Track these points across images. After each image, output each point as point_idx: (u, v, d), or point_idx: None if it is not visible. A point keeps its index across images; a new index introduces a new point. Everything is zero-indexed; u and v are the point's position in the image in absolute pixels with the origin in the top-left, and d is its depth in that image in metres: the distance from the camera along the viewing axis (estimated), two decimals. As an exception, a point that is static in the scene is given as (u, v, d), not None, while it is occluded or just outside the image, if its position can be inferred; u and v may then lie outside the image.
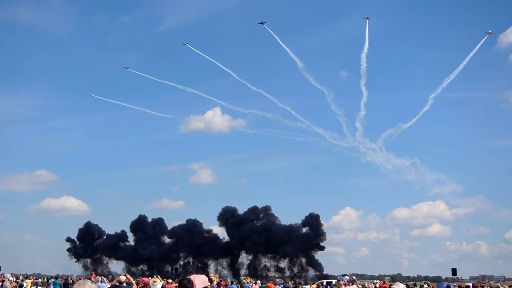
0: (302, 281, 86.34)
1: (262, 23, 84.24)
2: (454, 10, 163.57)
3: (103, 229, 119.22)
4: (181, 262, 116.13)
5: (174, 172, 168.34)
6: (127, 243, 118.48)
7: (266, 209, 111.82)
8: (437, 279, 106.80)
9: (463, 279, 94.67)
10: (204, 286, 11.35)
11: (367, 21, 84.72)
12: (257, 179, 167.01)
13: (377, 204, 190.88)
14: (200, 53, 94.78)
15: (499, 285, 79.73)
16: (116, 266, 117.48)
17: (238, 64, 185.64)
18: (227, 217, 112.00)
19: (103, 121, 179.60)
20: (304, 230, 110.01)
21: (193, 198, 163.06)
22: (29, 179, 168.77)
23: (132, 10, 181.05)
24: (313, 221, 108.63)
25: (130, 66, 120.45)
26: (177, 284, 17.48)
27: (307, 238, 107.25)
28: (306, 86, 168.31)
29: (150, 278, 26.86)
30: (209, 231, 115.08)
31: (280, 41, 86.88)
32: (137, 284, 24.16)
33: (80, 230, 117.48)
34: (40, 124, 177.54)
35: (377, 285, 52.30)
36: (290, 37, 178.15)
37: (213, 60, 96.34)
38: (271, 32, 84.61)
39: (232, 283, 51.97)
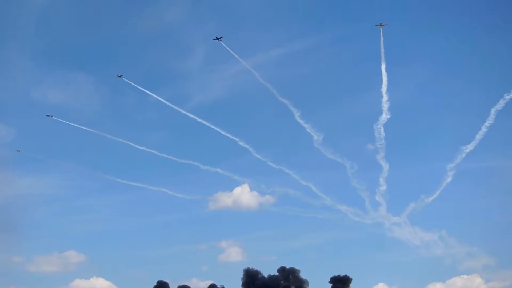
0: None
1: (282, 100, 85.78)
2: (470, 75, 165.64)
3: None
4: None
5: (203, 251, 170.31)
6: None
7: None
8: None
9: None
10: None
11: (384, 93, 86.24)
12: (287, 256, 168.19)
13: (410, 279, 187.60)
14: (222, 131, 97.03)
15: None
16: None
17: (259, 141, 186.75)
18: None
19: (130, 201, 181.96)
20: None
21: (222, 277, 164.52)
22: (58, 260, 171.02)
23: (160, 89, 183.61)
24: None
25: (155, 145, 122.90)
26: None
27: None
28: (326, 161, 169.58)
29: None
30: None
31: (297, 117, 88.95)
32: None
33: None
34: (68, 204, 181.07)
35: None
36: (308, 112, 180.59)
37: (235, 138, 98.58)
38: (291, 108, 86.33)
39: None
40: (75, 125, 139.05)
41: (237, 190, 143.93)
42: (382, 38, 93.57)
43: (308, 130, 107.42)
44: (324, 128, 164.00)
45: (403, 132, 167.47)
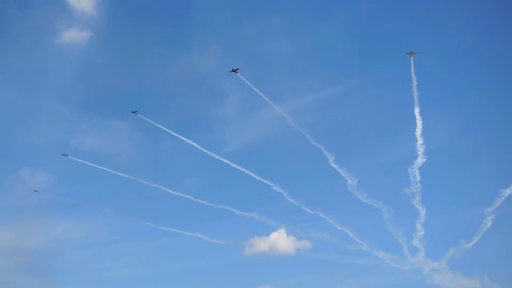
0: None
1: (316, 145, 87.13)
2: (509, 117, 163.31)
3: None
4: None
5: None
6: None
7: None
8: None
9: None
10: None
11: (419, 136, 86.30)
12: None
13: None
14: (256, 176, 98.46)
15: None
16: None
17: (294, 186, 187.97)
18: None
19: (166, 246, 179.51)
20: None
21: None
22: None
23: (195, 135, 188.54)
24: None
25: (190, 191, 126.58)
26: None
27: None
28: (361, 206, 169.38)
29: None
30: None
31: (331, 162, 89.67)
32: None
33: None
34: (104, 249, 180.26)
35: None
36: (342, 156, 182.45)
37: (269, 183, 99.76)
38: (325, 153, 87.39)
39: None
40: (110, 171, 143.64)
41: (274, 235, 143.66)
42: (412, 68, 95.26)
43: (343, 175, 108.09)
44: (359, 172, 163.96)
45: (439, 176, 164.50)
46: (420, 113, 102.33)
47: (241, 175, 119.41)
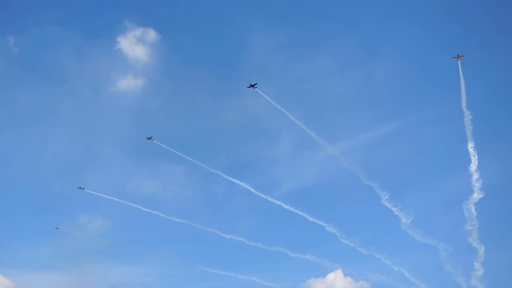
0: None
1: (369, 184, 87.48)
2: None
3: None
4: None
5: None
6: None
7: None
8: None
9: None
10: None
11: (474, 172, 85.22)
12: None
13: None
14: (309, 217, 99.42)
15: None
16: None
17: (347, 226, 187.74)
18: None
19: None
20: None
21: None
22: None
23: (249, 178, 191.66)
24: None
25: (243, 233, 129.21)
26: None
27: None
28: (416, 245, 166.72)
29: None
30: None
31: (385, 201, 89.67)
32: None
33: None
34: None
35: None
36: (396, 195, 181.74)
37: (322, 224, 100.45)
38: (378, 191, 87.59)
39: None
40: (164, 215, 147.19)
41: (330, 276, 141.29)
42: (461, 72, 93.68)
43: (396, 213, 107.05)
44: (413, 210, 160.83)
45: (497, 212, 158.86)
46: (475, 148, 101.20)
47: (294, 216, 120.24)
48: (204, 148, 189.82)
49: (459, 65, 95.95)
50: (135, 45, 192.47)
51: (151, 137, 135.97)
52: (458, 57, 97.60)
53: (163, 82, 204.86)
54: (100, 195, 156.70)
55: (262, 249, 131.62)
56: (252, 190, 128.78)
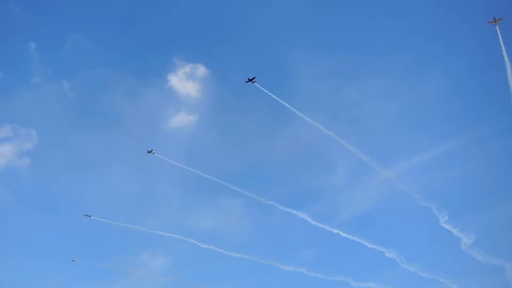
0: None
1: (427, 205, 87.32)
2: None
3: None
4: None
5: None
6: None
7: None
8: None
9: None
10: None
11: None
12: None
13: None
14: (368, 244, 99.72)
15: None
16: None
17: (407, 251, 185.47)
18: None
19: None
20: None
21: None
22: None
23: (306, 207, 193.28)
24: None
25: (302, 264, 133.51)
26: None
27: None
28: (480, 266, 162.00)
29: None
30: None
31: (443, 222, 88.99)
32: None
33: None
34: None
35: None
36: (455, 215, 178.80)
37: (382, 249, 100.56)
38: (437, 212, 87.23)
39: None
40: (222, 251, 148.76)
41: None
42: (500, 37, 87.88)
43: (457, 234, 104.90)
44: (474, 231, 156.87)
45: None
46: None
47: (353, 244, 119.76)
48: (259, 179, 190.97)
49: (498, 31, 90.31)
50: (186, 81, 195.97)
51: (152, 150, 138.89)
52: (495, 21, 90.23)
53: (215, 116, 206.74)
54: (159, 232, 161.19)
55: (322, 279, 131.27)
56: (310, 219, 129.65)
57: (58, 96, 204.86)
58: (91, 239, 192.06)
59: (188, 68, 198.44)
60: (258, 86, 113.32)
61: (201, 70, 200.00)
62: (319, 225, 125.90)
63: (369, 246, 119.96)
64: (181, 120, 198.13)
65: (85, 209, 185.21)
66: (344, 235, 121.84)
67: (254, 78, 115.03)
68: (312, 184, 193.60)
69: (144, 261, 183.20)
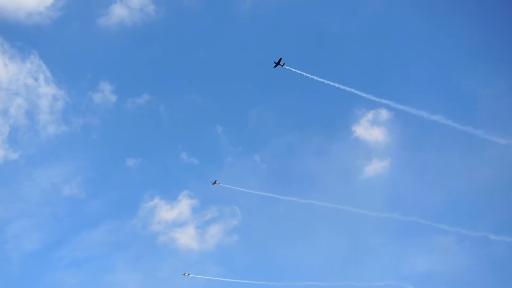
0: None
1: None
2: None
3: None
4: None
5: None
6: None
7: None
8: None
9: None
10: None
11: None
12: None
13: None
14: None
15: None
16: None
17: None
18: None
19: None
20: None
21: None
22: None
23: None
24: None
25: None
26: None
27: None
28: None
29: None
30: None
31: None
32: None
33: None
34: None
35: None
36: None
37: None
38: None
39: None
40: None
41: None
42: None
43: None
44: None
45: None
46: None
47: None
48: (464, 212, 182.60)
49: None
50: (371, 128, 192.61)
51: (215, 181, 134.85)
52: None
53: (407, 157, 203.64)
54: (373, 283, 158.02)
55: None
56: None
57: (254, 170, 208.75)
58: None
59: (370, 115, 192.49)
60: (291, 68, 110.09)
61: (384, 114, 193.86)
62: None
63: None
64: (375, 167, 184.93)
65: (295, 274, 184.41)
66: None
67: (281, 59, 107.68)
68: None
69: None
